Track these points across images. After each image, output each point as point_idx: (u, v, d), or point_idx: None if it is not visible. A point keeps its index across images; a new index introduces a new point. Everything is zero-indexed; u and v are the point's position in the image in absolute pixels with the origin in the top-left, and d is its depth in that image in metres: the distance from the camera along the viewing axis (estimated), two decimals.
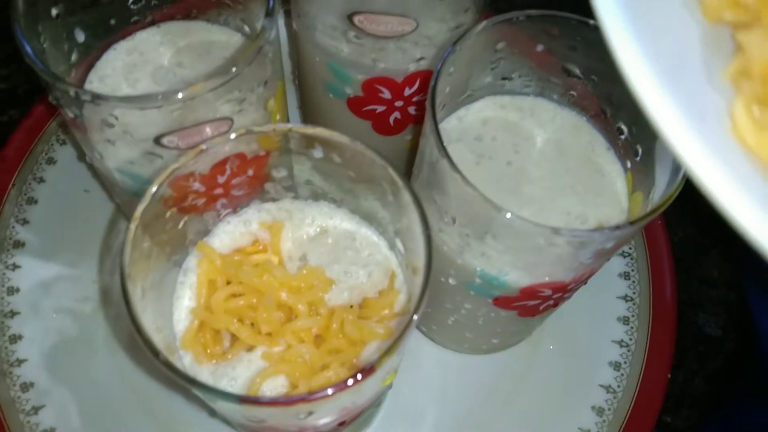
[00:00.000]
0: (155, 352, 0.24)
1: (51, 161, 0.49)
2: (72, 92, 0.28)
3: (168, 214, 0.29)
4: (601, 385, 0.44)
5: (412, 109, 0.41)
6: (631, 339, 0.46)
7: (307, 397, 0.24)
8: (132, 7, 0.39)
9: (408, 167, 0.43)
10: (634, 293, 0.47)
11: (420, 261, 0.28)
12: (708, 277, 0.52)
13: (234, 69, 0.29)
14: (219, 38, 0.40)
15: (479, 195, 0.28)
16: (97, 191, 0.48)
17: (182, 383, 0.24)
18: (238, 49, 0.39)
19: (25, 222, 0.46)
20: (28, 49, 0.28)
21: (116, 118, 0.30)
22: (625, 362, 0.45)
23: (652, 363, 0.45)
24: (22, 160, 0.48)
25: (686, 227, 0.54)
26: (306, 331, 0.30)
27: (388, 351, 0.25)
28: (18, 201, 0.47)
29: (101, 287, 0.45)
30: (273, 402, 0.24)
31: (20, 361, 0.42)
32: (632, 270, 0.48)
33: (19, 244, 0.46)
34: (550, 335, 0.46)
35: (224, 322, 0.29)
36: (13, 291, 0.44)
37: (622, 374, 0.45)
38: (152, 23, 0.40)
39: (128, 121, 0.30)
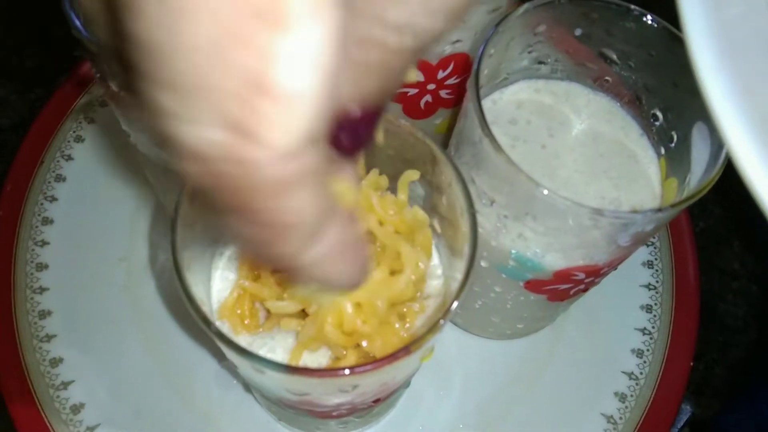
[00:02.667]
0: (207, 322, 0.24)
1: (79, 139, 0.49)
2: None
3: None
4: (624, 372, 0.45)
5: (444, 93, 0.41)
6: (654, 327, 0.46)
7: (354, 369, 0.24)
8: None
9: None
10: (657, 282, 0.48)
11: (460, 237, 0.28)
12: (729, 268, 0.53)
13: None
14: None
15: (523, 174, 0.28)
16: (125, 169, 0.48)
17: (231, 352, 0.24)
18: None
19: (53, 199, 0.47)
20: (76, 20, 0.29)
21: None
22: (648, 350, 0.45)
23: (674, 351, 0.45)
24: (50, 138, 0.48)
25: (708, 218, 0.54)
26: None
27: (432, 328, 0.25)
28: (46, 178, 0.47)
29: (129, 264, 0.45)
30: (321, 372, 0.24)
31: (50, 337, 0.42)
32: (656, 259, 0.48)
33: (47, 221, 0.46)
34: (573, 322, 0.46)
35: (272, 293, 0.29)
36: (42, 267, 0.45)
37: (645, 361, 0.45)
38: None
39: None
